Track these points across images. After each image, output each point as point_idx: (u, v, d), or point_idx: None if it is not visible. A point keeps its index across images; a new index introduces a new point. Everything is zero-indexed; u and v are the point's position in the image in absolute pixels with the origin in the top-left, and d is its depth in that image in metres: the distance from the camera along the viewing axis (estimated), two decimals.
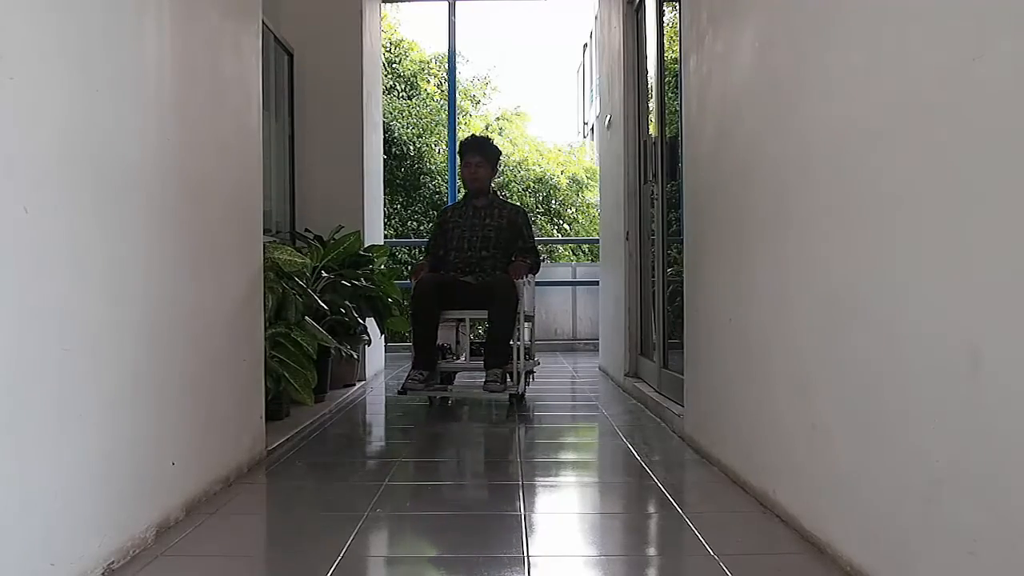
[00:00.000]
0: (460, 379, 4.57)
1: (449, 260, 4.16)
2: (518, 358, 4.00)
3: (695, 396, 2.90)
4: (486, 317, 3.96)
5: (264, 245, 2.86)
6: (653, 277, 4.21)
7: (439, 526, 2.14)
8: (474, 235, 4.15)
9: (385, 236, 6.81)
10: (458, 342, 4.31)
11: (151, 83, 1.90)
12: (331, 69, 4.96)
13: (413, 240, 10.02)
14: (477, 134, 4.52)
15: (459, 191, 7.12)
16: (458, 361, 4.28)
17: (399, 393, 3.89)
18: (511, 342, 3.96)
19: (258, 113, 2.67)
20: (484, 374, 3.90)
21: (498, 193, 4.29)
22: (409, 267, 9.80)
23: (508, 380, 3.95)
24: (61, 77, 1.51)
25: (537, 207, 12.24)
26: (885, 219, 1.47)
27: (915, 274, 1.37)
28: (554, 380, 5.36)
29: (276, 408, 3.19)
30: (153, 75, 1.91)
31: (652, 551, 1.95)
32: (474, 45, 26.96)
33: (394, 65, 12.23)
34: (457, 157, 4.48)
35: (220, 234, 2.35)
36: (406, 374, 3.96)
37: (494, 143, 4.37)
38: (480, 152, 4.24)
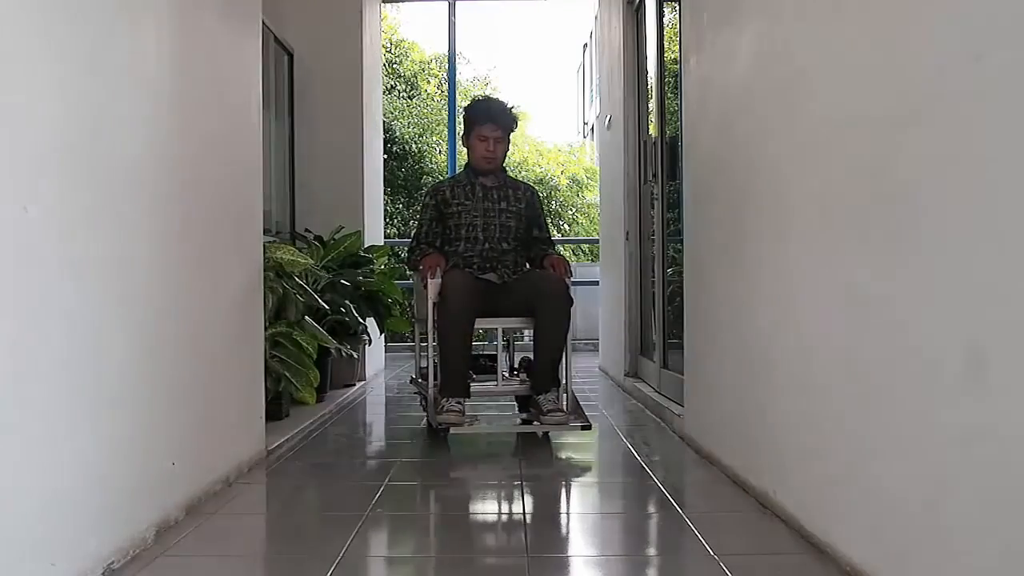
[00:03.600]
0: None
1: (458, 254, 3.22)
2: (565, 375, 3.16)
3: (695, 396, 2.90)
4: (522, 325, 3.22)
5: (265, 245, 2.86)
6: (653, 277, 4.21)
7: (439, 525, 2.15)
8: (489, 223, 3.24)
9: (386, 236, 6.83)
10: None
11: (151, 83, 1.90)
12: (331, 69, 4.95)
13: None
14: (491, 97, 3.46)
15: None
16: (483, 380, 3.29)
17: (438, 429, 2.95)
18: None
19: (258, 113, 2.67)
20: (534, 400, 3.10)
21: (506, 169, 3.45)
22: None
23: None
24: (61, 77, 1.51)
25: None
26: (885, 219, 1.47)
27: (916, 274, 1.37)
28: None
29: (276, 408, 3.19)
30: (153, 75, 1.91)
31: (652, 551, 1.95)
32: (474, 45, 26.97)
33: (394, 65, 12.24)
34: (463, 125, 3.40)
35: (220, 234, 2.35)
36: (429, 402, 3.09)
37: (512, 110, 3.38)
38: (500, 123, 3.27)
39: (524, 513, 2.13)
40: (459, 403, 2.96)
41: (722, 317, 2.53)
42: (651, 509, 2.22)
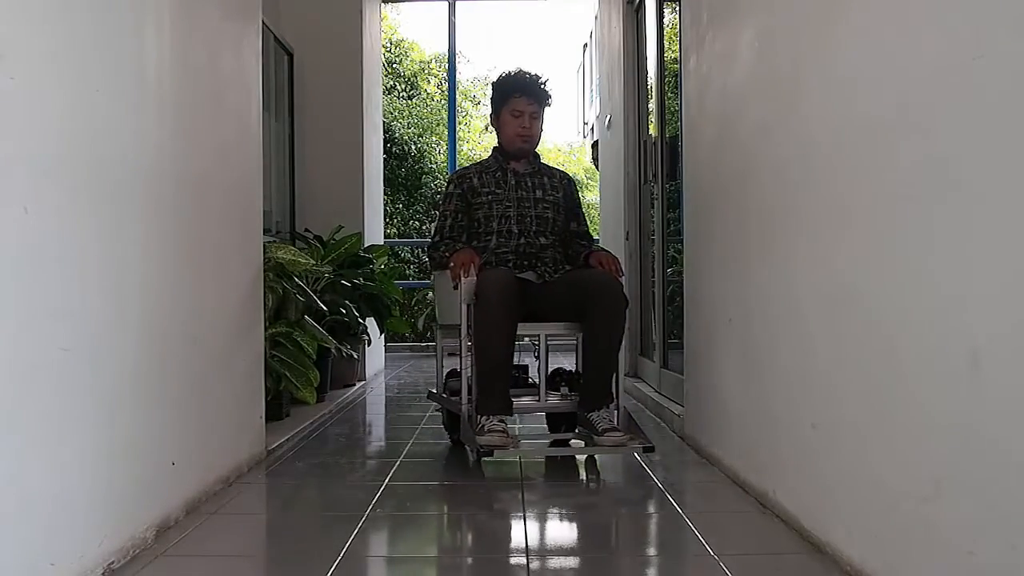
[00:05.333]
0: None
1: (490, 250, 2.82)
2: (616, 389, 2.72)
3: (695, 396, 2.90)
4: (567, 331, 2.81)
5: (265, 245, 2.86)
6: (653, 277, 4.21)
7: (439, 525, 2.15)
8: (524, 214, 2.84)
9: (387, 235, 6.82)
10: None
11: (151, 83, 1.90)
12: (331, 69, 4.96)
13: (416, 240, 10.02)
14: (523, 68, 2.95)
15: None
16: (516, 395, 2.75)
17: (481, 455, 2.49)
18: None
19: (258, 113, 2.67)
20: (583, 418, 2.70)
21: (538, 154, 3.04)
22: (412, 266, 9.72)
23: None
24: (61, 77, 1.51)
25: None
26: (885, 219, 1.47)
27: (915, 274, 1.37)
28: None
29: (276, 408, 3.19)
30: (153, 75, 1.91)
31: (652, 551, 1.95)
32: (474, 45, 27.00)
33: (394, 65, 12.24)
34: (491, 102, 3.01)
35: (220, 234, 2.35)
36: (463, 421, 2.62)
37: (547, 83, 2.94)
38: (535, 96, 2.87)
39: (524, 513, 2.13)
40: (501, 422, 2.55)
41: (722, 317, 2.53)
42: (651, 509, 2.22)
